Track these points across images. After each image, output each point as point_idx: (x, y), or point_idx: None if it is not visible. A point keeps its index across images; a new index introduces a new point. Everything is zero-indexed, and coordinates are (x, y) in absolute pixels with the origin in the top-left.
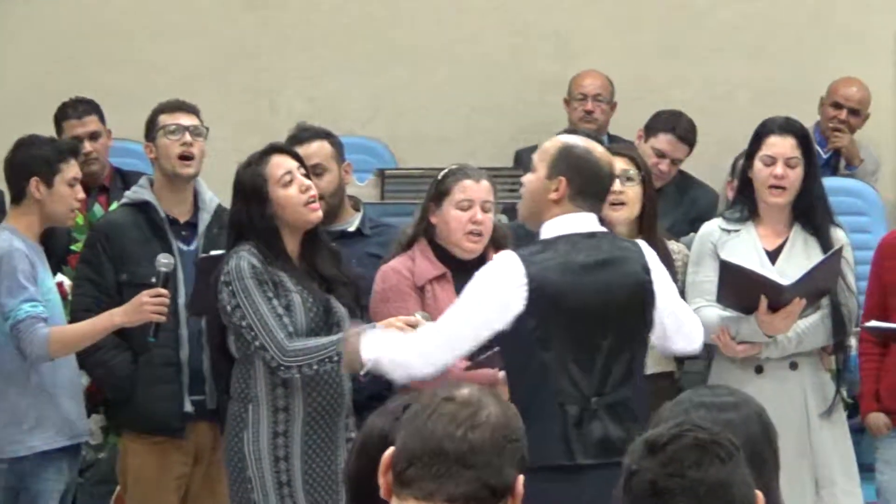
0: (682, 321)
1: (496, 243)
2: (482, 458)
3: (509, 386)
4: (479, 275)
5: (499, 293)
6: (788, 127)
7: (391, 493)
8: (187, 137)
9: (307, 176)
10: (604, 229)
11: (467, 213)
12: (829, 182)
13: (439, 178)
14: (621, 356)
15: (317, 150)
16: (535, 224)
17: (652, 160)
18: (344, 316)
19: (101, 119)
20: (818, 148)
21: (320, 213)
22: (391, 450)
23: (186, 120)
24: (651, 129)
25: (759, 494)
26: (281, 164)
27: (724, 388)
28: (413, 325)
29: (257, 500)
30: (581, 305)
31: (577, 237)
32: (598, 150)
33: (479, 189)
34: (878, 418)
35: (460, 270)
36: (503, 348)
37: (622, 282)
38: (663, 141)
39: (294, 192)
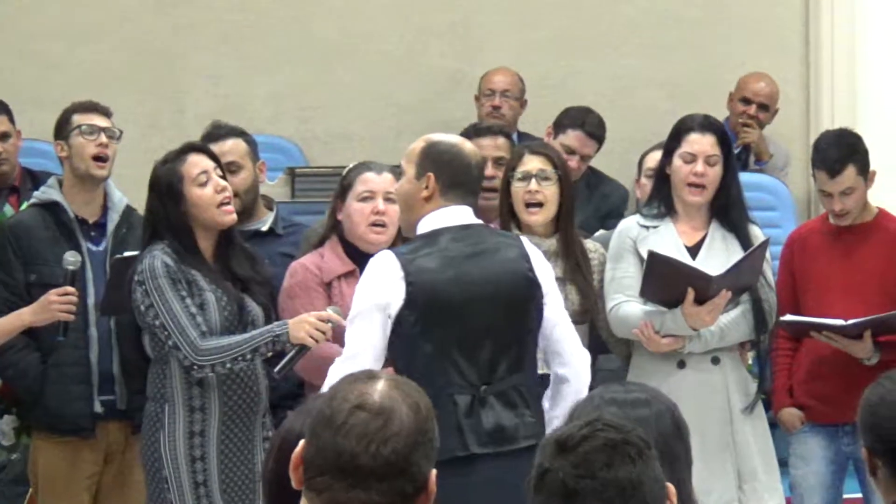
0: (558, 338)
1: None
2: (395, 470)
3: None
4: (361, 280)
5: (379, 293)
6: (708, 125)
7: (303, 484)
8: (103, 139)
9: (223, 177)
10: (479, 221)
11: (369, 204)
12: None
13: (343, 174)
14: (509, 344)
15: (231, 147)
16: (412, 230)
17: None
18: (258, 315)
19: (11, 119)
20: None
21: (234, 216)
22: (302, 444)
23: (101, 121)
24: (560, 125)
25: (671, 487)
26: (198, 164)
27: (636, 384)
28: (325, 320)
29: (174, 500)
30: (461, 296)
31: (454, 229)
32: (464, 144)
33: (380, 181)
34: (790, 413)
35: None
36: (388, 345)
37: (503, 271)
38: (572, 137)
39: (209, 191)
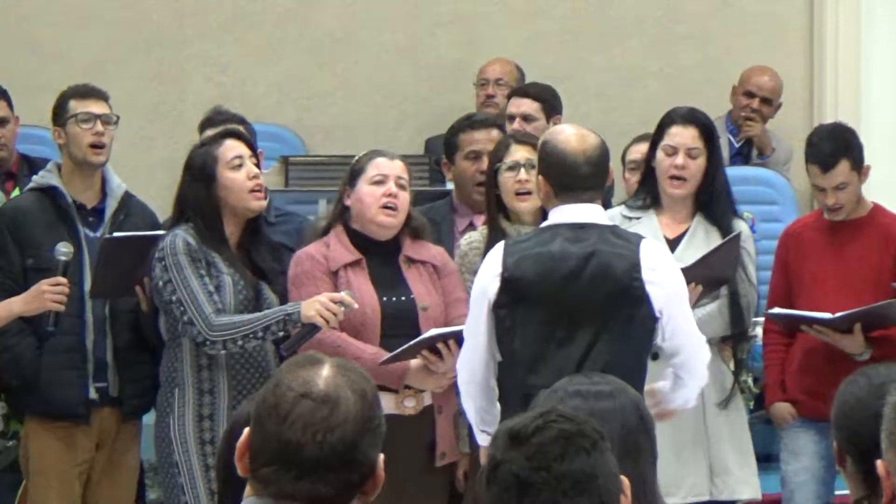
0: (681, 346)
1: (413, 232)
2: (342, 459)
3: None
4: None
5: (482, 283)
6: (691, 117)
7: (248, 472)
8: (99, 127)
9: (258, 165)
10: (602, 221)
11: (381, 187)
12: (740, 171)
13: (354, 160)
14: (597, 351)
15: None
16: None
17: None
18: (274, 303)
19: (10, 105)
20: (730, 137)
21: (264, 203)
22: (247, 433)
23: (97, 108)
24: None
25: (625, 480)
26: (233, 148)
27: (601, 376)
28: (337, 301)
29: (184, 483)
30: (550, 296)
31: (564, 227)
32: (569, 142)
33: (392, 166)
34: (782, 409)
35: (375, 256)
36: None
37: (599, 275)
38: (511, 105)
39: (241, 176)
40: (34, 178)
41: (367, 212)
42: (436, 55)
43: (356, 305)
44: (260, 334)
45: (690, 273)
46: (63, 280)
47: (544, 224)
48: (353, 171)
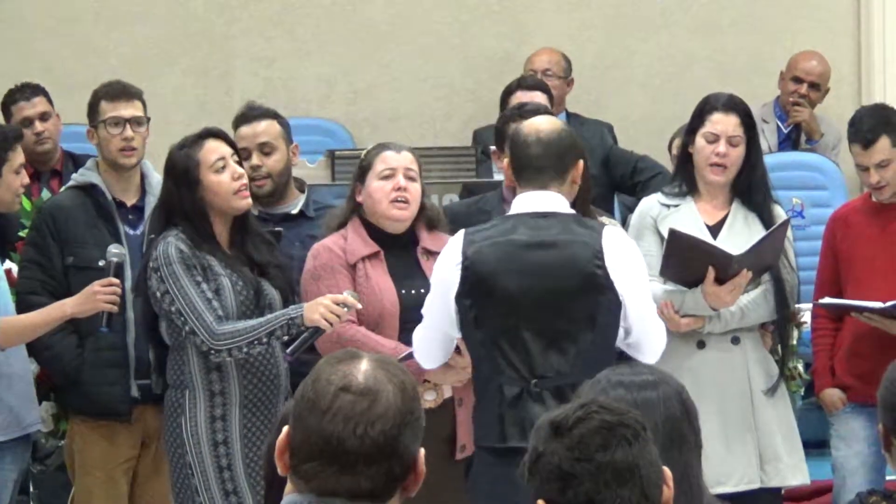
0: (638, 329)
1: (429, 222)
2: (383, 452)
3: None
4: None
5: (443, 273)
6: (732, 105)
7: (288, 470)
8: (128, 132)
9: (240, 163)
10: (564, 210)
11: (390, 181)
12: (789, 156)
13: (362, 156)
14: (563, 341)
15: (266, 128)
16: None
17: None
18: (275, 299)
19: (49, 101)
20: (779, 122)
21: (249, 201)
22: (286, 430)
23: (127, 110)
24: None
25: (667, 471)
26: (215, 150)
27: (644, 366)
28: (340, 303)
29: (198, 485)
30: (513, 285)
31: (527, 216)
32: (532, 122)
33: (399, 158)
34: (832, 394)
35: (392, 248)
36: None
37: (562, 265)
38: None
39: (226, 178)
40: (74, 175)
41: (377, 207)
42: (483, 46)
43: (360, 305)
44: (265, 340)
45: (744, 260)
46: (115, 281)
47: (511, 212)
48: (361, 167)
